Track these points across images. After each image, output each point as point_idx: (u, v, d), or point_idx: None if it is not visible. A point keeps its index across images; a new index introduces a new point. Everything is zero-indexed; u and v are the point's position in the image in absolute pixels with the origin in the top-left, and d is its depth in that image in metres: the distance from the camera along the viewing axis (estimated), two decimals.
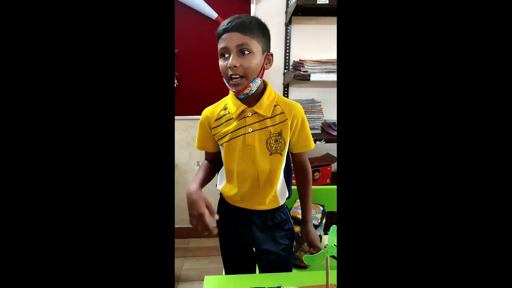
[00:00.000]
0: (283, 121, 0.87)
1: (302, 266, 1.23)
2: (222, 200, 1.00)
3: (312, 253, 1.04)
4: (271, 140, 0.88)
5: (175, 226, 2.02)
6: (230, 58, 0.79)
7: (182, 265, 1.80)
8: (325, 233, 1.31)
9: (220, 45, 0.81)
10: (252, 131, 0.87)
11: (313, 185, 1.05)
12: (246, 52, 0.79)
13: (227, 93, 0.92)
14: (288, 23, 1.79)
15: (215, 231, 0.81)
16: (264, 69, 0.86)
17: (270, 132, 0.87)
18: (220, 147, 0.93)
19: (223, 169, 0.95)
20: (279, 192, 0.93)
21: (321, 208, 1.32)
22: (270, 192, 0.91)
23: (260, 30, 0.82)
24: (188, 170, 2.01)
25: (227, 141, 0.89)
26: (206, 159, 1.00)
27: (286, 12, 1.80)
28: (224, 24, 0.81)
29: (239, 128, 0.87)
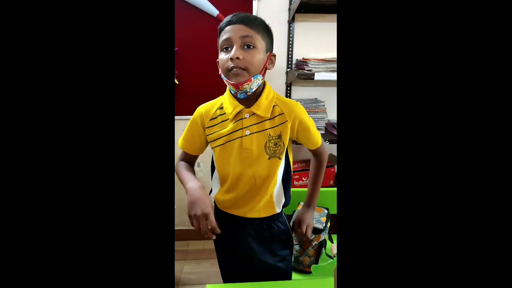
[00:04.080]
0: (283, 123, 0.83)
1: (306, 272, 1.19)
2: (215, 208, 0.94)
3: (301, 237, 0.99)
4: (270, 144, 0.83)
5: (175, 228, 1.99)
6: (233, 50, 0.76)
7: (182, 269, 1.76)
8: (330, 237, 1.28)
9: (223, 37, 0.78)
10: (249, 134, 0.82)
11: None
12: (251, 46, 0.77)
13: None
14: (291, 21, 1.75)
15: (218, 230, 0.72)
16: (266, 68, 0.82)
17: (269, 135, 0.83)
18: (212, 150, 0.89)
19: (216, 174, 0.91)
20: (275, 197, 0.89)
21: (325, 211, 1.28)
22: (265, 196, 0.87)
23: (265, 28, 0.81)
24: None
25: (221, 144, 0.84)
26: (183, 160, 0.91)
27: (289, 9, 1.76)
28: (228, 17, 0.79)
29: (236, 131, 0.83)
